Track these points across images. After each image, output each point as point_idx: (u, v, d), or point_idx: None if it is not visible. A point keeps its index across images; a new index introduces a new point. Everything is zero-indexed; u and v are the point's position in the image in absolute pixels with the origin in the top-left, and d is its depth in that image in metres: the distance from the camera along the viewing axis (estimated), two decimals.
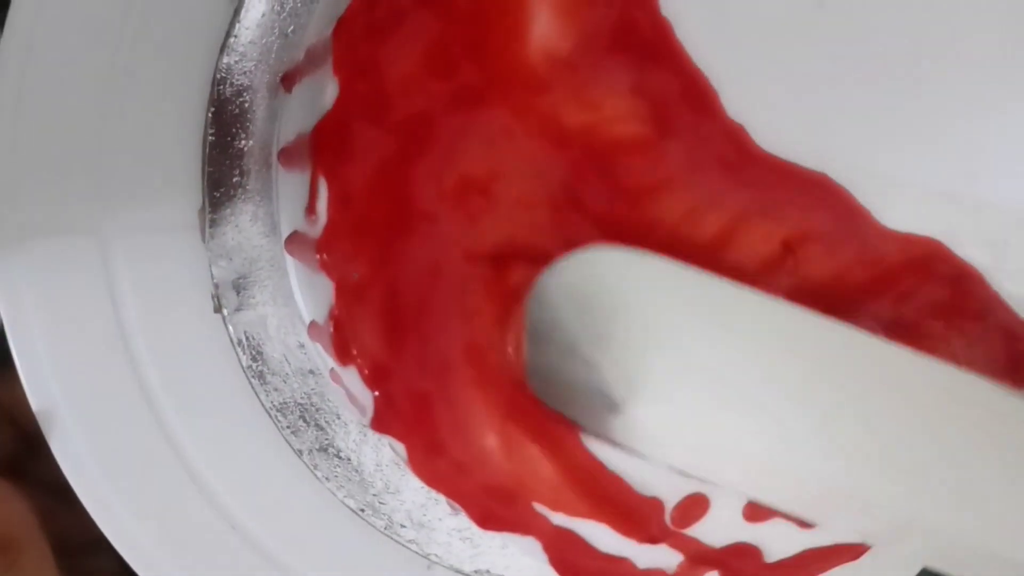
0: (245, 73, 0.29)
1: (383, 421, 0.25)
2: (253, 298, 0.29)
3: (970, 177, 0.26)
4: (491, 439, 0.24)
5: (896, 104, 0.26)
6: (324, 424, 0.30)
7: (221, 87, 0.29)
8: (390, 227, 0.24)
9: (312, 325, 0.27)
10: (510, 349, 0.24)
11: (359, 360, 0.24)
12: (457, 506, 0.25)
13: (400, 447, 0.25)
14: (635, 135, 0.24)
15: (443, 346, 0.24)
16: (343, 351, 0.24)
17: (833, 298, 0.26)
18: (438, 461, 0.25)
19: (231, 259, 0.29)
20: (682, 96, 0.24)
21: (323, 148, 0.24)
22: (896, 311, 0.26)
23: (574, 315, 0.23)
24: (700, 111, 0.24)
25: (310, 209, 0.25)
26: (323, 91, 0.25)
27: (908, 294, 0.26)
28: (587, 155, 0.24)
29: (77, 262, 0.28)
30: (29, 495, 0.31)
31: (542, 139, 0.24)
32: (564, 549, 0.25)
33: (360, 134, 0.23)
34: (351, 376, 0.25)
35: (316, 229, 0.25)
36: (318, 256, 0.24)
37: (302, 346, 0.29)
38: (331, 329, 0.25)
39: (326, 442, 0.30)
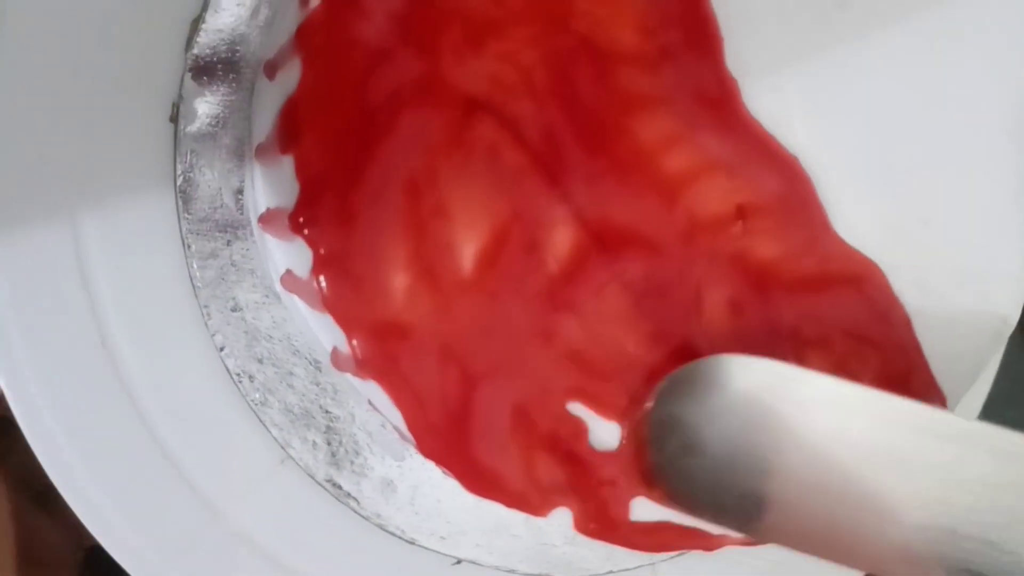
0: None
1: (301, 217, 0.24)
2: (210, 117, 0.29)
3: (932, 221, 0.26)
4: (400, 279, 0.24)
5: (885, 119, 0.26)
6: (234, 279, 0.29)
7: None
8: (372, 34, 0.23)
9: (260, 146, 0.27)
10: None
11: (302, 150, 0.23)
12: (345, 341, 0.25)
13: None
14: (636, 45, 0.25)
15: (387, 170, 0.24)
16: (288, 138, 0.24)
17: (765, 281, 0.26)
18: (342, 281, 0.24)
19: (205, 73, 0.29)
20: (687, 30, 0.25)
21: None
22: (819, 315, 0.26)
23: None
24: (701, 50, 0.25)
25: None
26: None
27: (836, 304, 0.26)
28: (586, 45, 0.24)
29: (49, 248, 0.27)
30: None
31: (548, 11, 0.24)
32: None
33: None
34: (284, 172, 0.24)
35: (305, 12, 0.24)
36: (297, 34, 0.24)
37: (240, 193, 0.29)
38: (284, 115, 0.24)
39: (228, 293, 0.29)
